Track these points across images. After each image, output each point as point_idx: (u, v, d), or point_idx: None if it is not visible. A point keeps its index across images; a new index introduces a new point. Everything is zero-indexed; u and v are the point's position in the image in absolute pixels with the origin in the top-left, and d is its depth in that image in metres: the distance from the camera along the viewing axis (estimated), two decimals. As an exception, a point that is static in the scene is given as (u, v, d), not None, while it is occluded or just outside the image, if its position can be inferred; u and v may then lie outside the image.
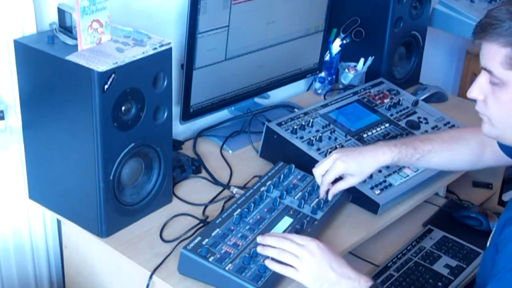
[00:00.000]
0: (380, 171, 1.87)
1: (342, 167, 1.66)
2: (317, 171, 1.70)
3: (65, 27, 1.64)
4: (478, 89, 1.40)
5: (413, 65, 2.57)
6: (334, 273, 1.44)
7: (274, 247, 1.49)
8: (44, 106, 1.64)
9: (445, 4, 2.70)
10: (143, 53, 1.57)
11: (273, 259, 1.48)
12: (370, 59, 2.39)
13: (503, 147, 1.64)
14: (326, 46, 2.40)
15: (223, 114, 2.22)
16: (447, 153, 1.73)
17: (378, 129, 2.07)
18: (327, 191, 1.72)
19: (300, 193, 1.76)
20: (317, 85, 2.47)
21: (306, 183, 1.81)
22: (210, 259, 1.49)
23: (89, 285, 1.77)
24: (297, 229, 1.63)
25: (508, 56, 1.30)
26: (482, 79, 1.38)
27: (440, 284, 1.85)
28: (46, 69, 1.59)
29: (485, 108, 1.41)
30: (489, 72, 1.35)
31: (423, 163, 1.74)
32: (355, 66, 2.41)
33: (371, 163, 1.68)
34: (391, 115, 2.14)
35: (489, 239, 1.53)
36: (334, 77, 2.45)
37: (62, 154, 1.65)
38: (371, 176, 1.83)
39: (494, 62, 1.32)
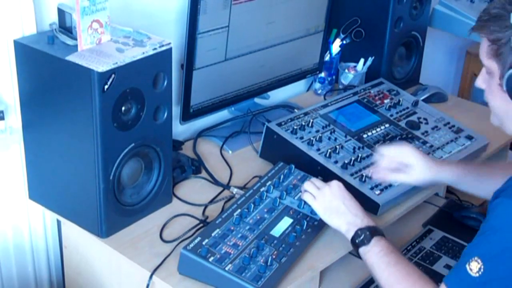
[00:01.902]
0: (380, 171, 1.87)
1: (410, 152, 1.72)
2: (383, 149, 1.75)
3: (65, 27, 1.64)
4: (481, 79, 1.49)
5: (413, 65, 2.57)
6: (344, 206, 1.61)
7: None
8: (44, 106, 1.64)
9: (445, 4, 2.70)
10: (143, 53, 1.57)
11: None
12: (370, 59, 2.39)
13: None
14: (326, 46, 2.40)
15: (223, 114, 2.22)
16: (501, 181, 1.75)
17: (378, 129, 2.07)
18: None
19: (300, 194, 1.76)
20: (317, 85, 2.47)
21: (306, 183, 1.81)
22: (210, 259, 1.49)
23: (89, 285, 1.77)
24: (297, 229, 1.63)
25: (489, 46, 1.40)
26: (483, 70, 1.48)
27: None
28: (46, 69, 1.59)
29: (486, 98, 1.49)
30: (482, 62, 1.45)
31: (481, 187, 1.75)
32: (355, 66, 2.41)
33: (435, 171, 1.73)
34: (391, 115, 2.14)
35: None
36: (334, 77, 2.45)
37: (62, 154, 1.65)
38: (371, 176, 1.83)
39: (482, 51, 1.44)
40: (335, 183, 1.66)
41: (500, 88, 1.40)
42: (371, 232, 1.56)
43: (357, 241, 1.56)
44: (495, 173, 1.71)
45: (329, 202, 1.63)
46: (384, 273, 1.50)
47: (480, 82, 1.50)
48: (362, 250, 1.56)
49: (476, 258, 1.33)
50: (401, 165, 1.74)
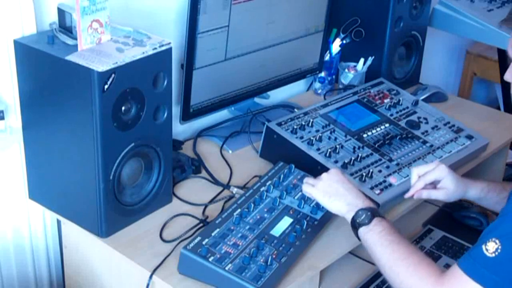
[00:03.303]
0: (380, 171, 1.87)
1: (443, 173, 1.71)
2: (418, 170, 1.75)
3: (65, 27, 1.64)
4: (511, 73, 1.48)
5: (413, 65, 2.57)
6: (343, 189, 1.62)
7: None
8: (44, 106, 1.64)
9: (445, 4, 2.69)
10: (143, 53, 1.57)
11: None
12: (370, 59, 2.39)
13: None
14: (326, 46, 2.40)
15: (223, 114, 2.22)
16: None
17: (378, 129, 2.07)
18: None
19: (300, 193, 1.76)
20: (317, 85, 2.47)
21: (306, 183, 1.81)
22: (210, 259, 1.49)
23: (89, 285, 1.77)
24: (297, 229, 1.63)
25: None
26: None
27: (440, 284, 1.85)
28: (46, 69, 1.59)
29: None
30: None
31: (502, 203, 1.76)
32: (355, 66, 2.41)
33: (464, 187, 1.74)
34: (391, 115, 2.14)
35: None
36: (334, 77, 2.45)
37: (62, 154, 1.65)
38: (371, 176, 1.83)
39: None
40: (333, 169, 1.67)
41: None
42: (372, 213, 1.55)
43: (358, 220, 1.55)
44: None
45: (328, 186, 1.63)
46: (387, 250, 1.47)
47: (510, 75, 1.49)
48: (362, 230, 1.54)
49: (494, 238, 1.33)
50: (435, 182, 1.75)
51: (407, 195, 1.76)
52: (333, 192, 1.62)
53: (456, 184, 1.73)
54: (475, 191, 1.76)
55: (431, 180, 1.73)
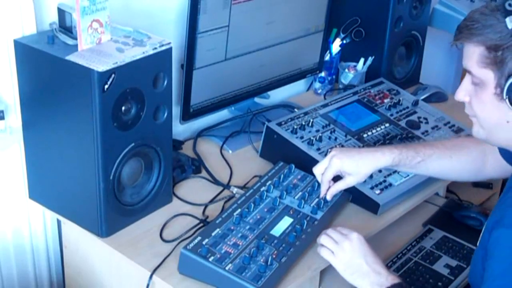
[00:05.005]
0: (380, 171, 1.87)
1: (339, 164, 1.66)
2: (317, 170, 1.71)
3: (65, 27, 1.64)
4: (463, 91, 1.42)
5: (413, 65, 2.57)
6: (366, 266, 1.52)
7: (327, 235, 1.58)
8: (44, 106, 1.64)
9: (445, 4, 2.69)
10: (143, 53, 1.57)
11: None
12: (370, 59, 2.39)
13: (505, 155, 1.64)
14: (326, 46, 2.40)
15: (223, 114, 2.22)
16: (447, 160, 1.72)
17: (378, 129, 2.07)
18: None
19: (300, 193, 1.76)
20: (317, 85, 2.47)
21: (306, 183, 1.81)
22: (210, 259, 1.49)
23: (89, 285, 1.77)
24: (297, 229, 1.63)
25: (482, 54, 1.33)
26: (466, 81, 1.41)
27: (440, 284, 1.85)
28: (46, 69, 1.59)
29: (471, 109, 1.42)
30: (469, 72, 1.38)
31: (423, 167, 1.73)
32: (355, 66, 2.41)
33: (370, 163, 1.67)
34: (391, 115, 2.14)
35: (479, 239, 1.53)
36: (334, 77, 2.45)
37: (62, 154, 1.65)
38: (371, 176, 1.83)
39: (472, 61, 1.35)
40: (355, 237, 1.54)
41: (496, 97, 1.34)
42: None
43: None
44: (435, 152, 1.71)
45: (350, 259, 1.53)
46: None
47: (462, 95, 1.42)
48: None
49: None
50: (341, 172, 1.69)
51: (321, 196, 1.73)
52: (355, 268, 1.52)
53: (358, 165, 1.66)
54: (384, 162, 1.67)
55: (332, 176, 1.69)
